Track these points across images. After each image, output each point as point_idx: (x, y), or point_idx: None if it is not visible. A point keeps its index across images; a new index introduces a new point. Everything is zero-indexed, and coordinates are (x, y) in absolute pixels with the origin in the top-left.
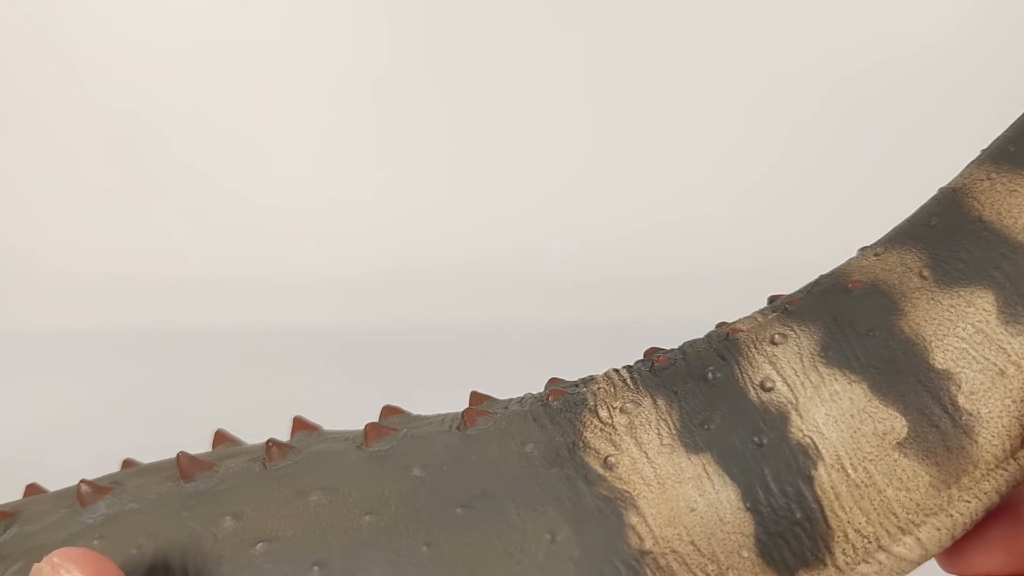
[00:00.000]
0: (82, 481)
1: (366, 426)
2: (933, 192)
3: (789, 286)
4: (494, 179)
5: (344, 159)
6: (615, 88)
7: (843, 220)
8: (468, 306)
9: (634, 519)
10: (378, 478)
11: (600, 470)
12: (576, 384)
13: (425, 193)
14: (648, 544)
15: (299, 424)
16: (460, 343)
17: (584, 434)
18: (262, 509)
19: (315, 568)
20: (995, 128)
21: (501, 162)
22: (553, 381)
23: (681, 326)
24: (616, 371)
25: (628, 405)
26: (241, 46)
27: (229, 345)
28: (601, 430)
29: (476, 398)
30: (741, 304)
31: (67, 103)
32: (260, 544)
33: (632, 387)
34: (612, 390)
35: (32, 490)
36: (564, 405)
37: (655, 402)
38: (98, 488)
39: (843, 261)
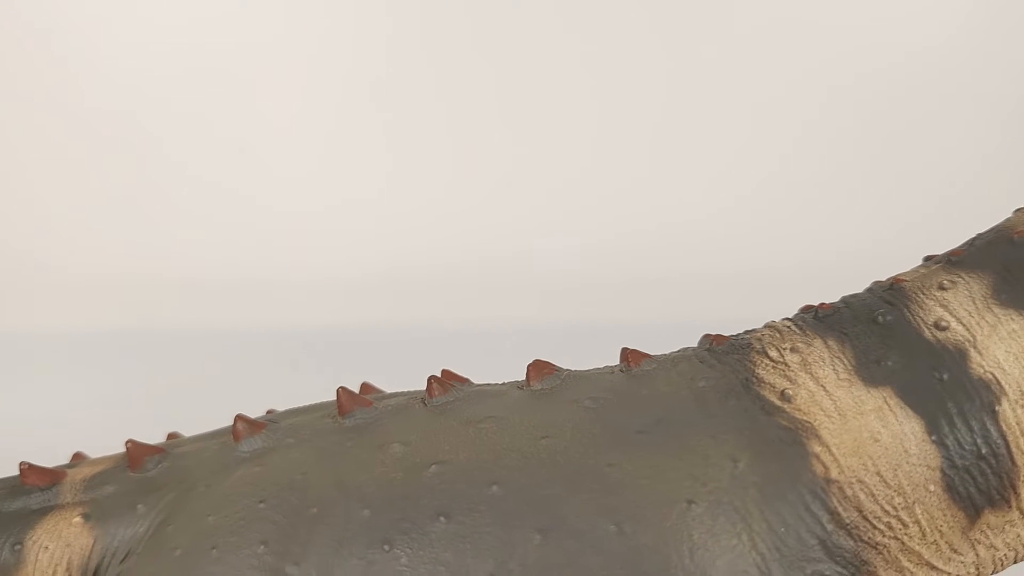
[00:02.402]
0: (238, 417)
1: (528, 366)
2: (934, 193)
3: (789, 286)
4: (495, 180)
5: (344, 160)
6: (617, 90)
7: (844, 221)
8: (468, 306)
9: (817, 448)
10: (547, 409)
11: (778, 402)
12: (736, 335)
13: (426, 194)
14: (833, 473)
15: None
16: (460, 343)
17: (756, 371)
18: (429, 437)
19: (494, 487)
20: (996, 129)
21: (502, 163)
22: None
23: (681, 326)
24: (777, 321)
25: (799, 345)
26: (242, 47)
27: (229, 345)
28: (773, 367)
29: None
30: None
31: (68, 104)
32: (434, 466)
33: (799, 331)
34: (778, 335)
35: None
36: (729, 348)
37: (826, 343)
38: (253, 424)
39: (843, 262)
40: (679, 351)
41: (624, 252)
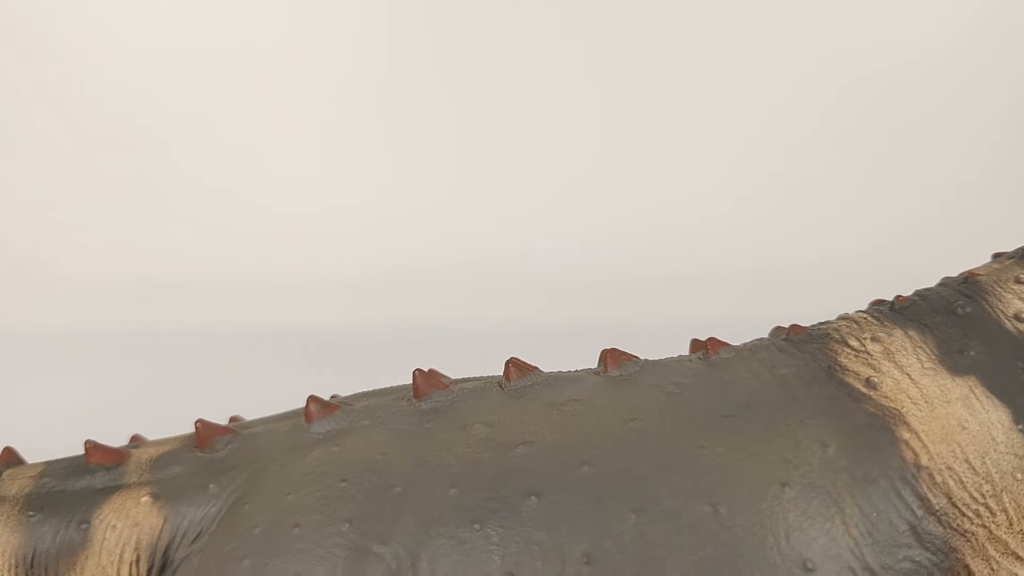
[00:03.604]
0: (311, 398)
1: (604, 353)
2: (935, 194)
3: (789, 286)
4: (495, 180)
5: (344, 160)
6: (617, 90)
7: (844, 222)
8: (468, 306)
9: (906, 434)
10: (630, 394)
11: (863, 389)
12: (811, 326)
13: (426, 194)
14: (923, 459)
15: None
16: (460, 343)
17: (838, 359)
18: (512, 418)
19: (585, 467)
20: (998, 130)
21: (502, 163)
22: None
23: (682, 326)
24: (851, 313)
25: (880, 335)
26: (242, 48)
27: (229, 345)
28: (856, 356)
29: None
30: (742, 304)
31: (68, 105)
32: (520, 447)
33: (877, 322)
34: (855, 325)
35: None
36: (807, 338)
37: (906, 333)
38: (326, 406)
39: (844, 262)
40: (754, 341)
41: (624, 252)
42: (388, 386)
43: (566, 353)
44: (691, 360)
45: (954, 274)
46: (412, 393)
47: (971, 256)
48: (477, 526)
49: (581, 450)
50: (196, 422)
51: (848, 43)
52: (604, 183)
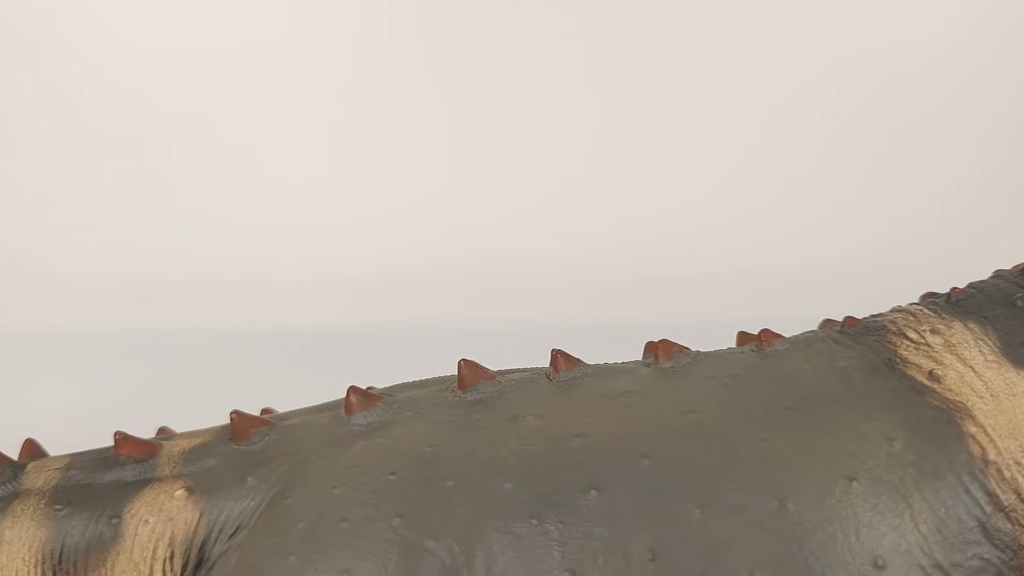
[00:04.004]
0: (351, 388)
1: (656, 344)
2: (936, 194)
3: (790, 286)
4: (495, 180)
5: (345, 160)
6: (618, 90)
7: (845, 222)
8: (469, 306)
9: (972, 428)
10: (684, 385)
11: (927, 382)
12: (866, 318)
13: (426, 194)
14: (991, 454)
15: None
16: (461, 343)
17: (898, 351)
18: (565, 410)
19: (644, 461)
20: (998, 130)
21: (502, 163)
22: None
23: (682, 326)
24: (905, 305)
25: (939, 327)
26: (242, 47)
27: (229, 345)
28: (916, 348)
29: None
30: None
31: (68, 105)
32: (576, 439)
33: (935, 314)
34: (912, 318)
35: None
36: (864, 330)
37: (966, 325)
38: (367, 397)
39: (844, 262)
40: (806, 333)
41: (624, 252)
42: (428, 377)
43: (568, 353)
44: (744, 352)
45: (954, 274)
46: (457, 384)
47: (971, 256)
48: (535, 521)
49: (639, 443)
50: (232, 413)
51: (848, 43)
52: (604, 183)
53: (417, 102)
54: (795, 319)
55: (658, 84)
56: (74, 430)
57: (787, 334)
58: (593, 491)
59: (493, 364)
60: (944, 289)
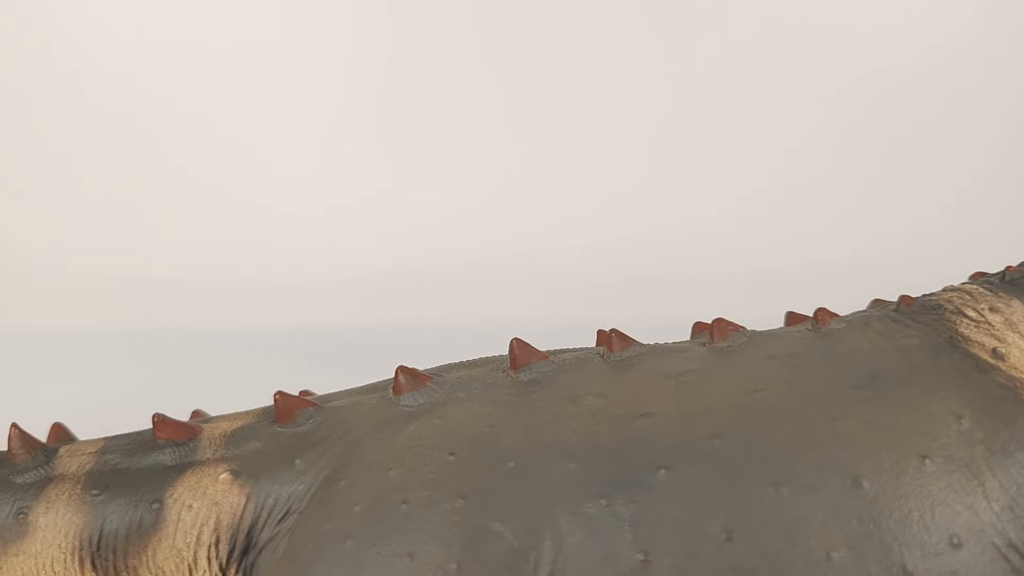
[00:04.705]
0: (401, 368)
1: (712, 325)
2: (936, 194)
3: (790, 286)
4: (495, 180)
5: (345, 160)
6: (619, 90)
7: (844, 222)
8: (468, 306)
9: None
10: (745, 364)
11: (991, 360)
12: (921, 297)
13: (426, 194)
14: None
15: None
16: (460, 343)
17: (959, 330)
18: (625, 390)
19: (715, 440)
20: (996, 130)
21: (503, 163)
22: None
23: (683, 326)
24: (957, 284)
25: (998, 305)
26: (242, 47)
27: (229, 345)
28: (976, 326)
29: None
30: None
31: (68, 105)
32: (641, 419)
33: (991, 293)
34: (968, 296)
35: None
36: (921, 309)
37: None
38: (418, 377)
39: (845, 262)
40: (860, 313)
41: (624, 252)
42: (478, 357)
43: None
44: (800, 331)
45: (954, 274)
46: (508, 364)
47: (971, 256)
48: (604, 501)
49: (708, 422)
50: (275, 394)
51: (848, 43)
52: (604, 184)
53: (417, 102)
54: None
55: (658, 84)
56: (73, 430)
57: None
58: (663, 471)
59: None
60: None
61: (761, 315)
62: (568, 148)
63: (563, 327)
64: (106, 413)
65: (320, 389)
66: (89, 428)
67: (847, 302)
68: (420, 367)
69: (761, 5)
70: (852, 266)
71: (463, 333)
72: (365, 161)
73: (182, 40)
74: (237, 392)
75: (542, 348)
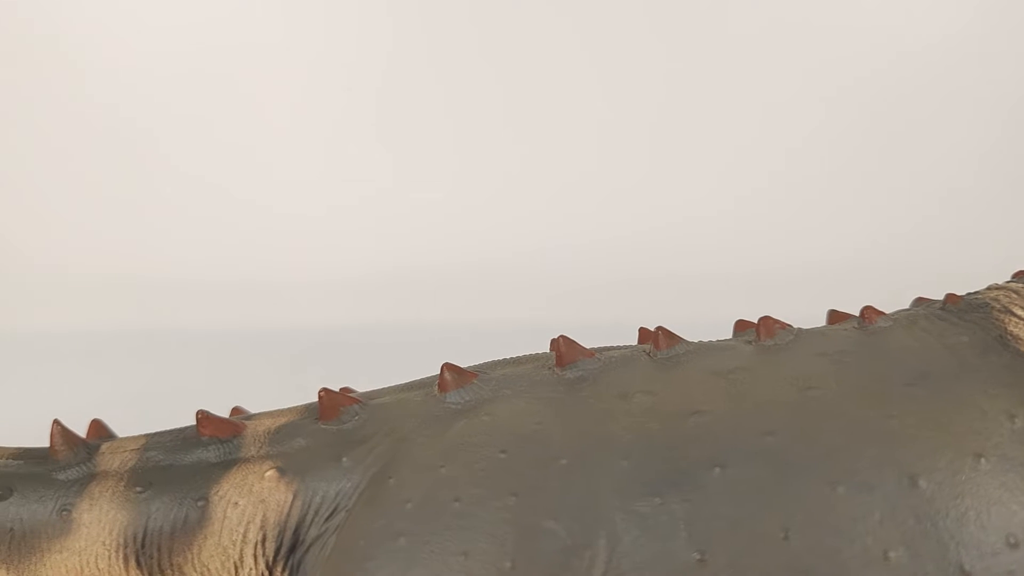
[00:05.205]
0: (445, 365)
1: (759, 323)
2: (936, 193)
3: (790, 286)
4: (496, 180)
5: (345, 160)
6: (618, 90)
7: (844, 222)
8: (469, 306)
9: None
10: (794, 362)
11: None
12: (966, 295)
13: (427, 194)
14: None
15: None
16: (460, 343)
17: (1008, 328)
18: (675, 387)
19: (769, 438)
20: (996, 130)
21: (503, 163)
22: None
23: (683, 326)
24: (1001, 283)
25: None
26: (242, 48)
27: (229, 345)
28: None
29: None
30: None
31: (68, 104)
32: (693, 416)
33: None
34: (1016, 296)
35: (237, 411)
36: (967, 307)
37: None
38: (463, 374)
39: (844, 262)
40: (904, 311)
41: (625, 252)
42: (521, 355)
43: None
44: (846, 329)
45: (953, 274)
46: (554, 361)
47: (971, 256)
48: (658, 500)
49: (761, 419)
50: (320, 391)
51: (848, 43)
52: (605, 183)
53: (417, 102)
54: (795, 319)
55: (658, 84)
56: (74, 430)
57: None
58: (717, 468)
59: None
60: (944, 289)
61: (761, 315)
62: (568, 148)
63: (563, 327)
64: (106, 413)
65: (315, 389)
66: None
67: (847, 302)
68: (420, 367)
69: (761, 5)
70: (852, 266)
71: (463, 333)
72: (365, 161)
73: (182, 40)
74: (237, 392)
75: (540, 349)
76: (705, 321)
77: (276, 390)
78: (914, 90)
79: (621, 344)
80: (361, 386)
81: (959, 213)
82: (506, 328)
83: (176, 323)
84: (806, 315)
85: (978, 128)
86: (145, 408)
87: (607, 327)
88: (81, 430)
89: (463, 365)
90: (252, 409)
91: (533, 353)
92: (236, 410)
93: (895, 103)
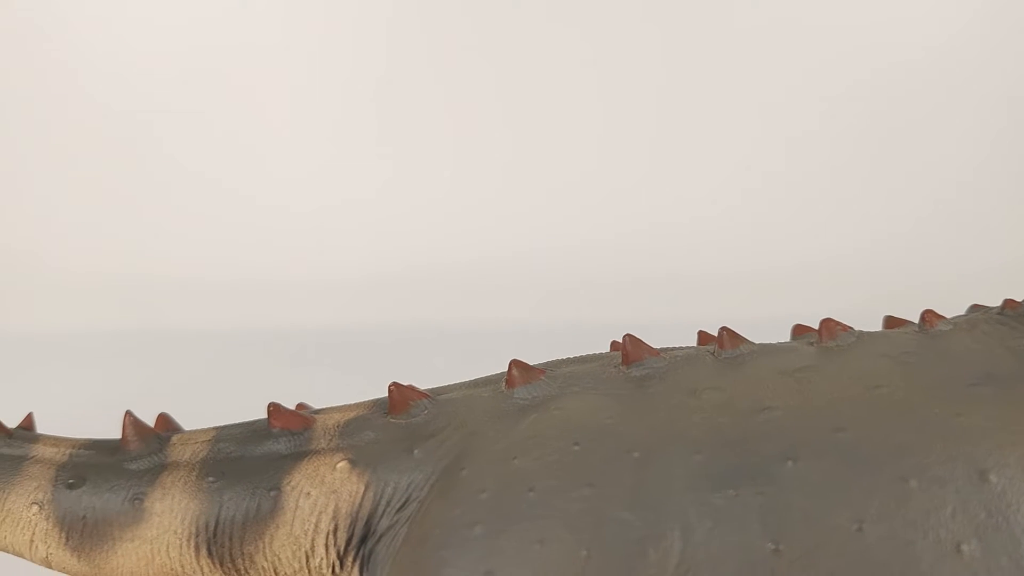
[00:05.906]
0: (513, 362)
1: (820, 325)
2: (935, 193)
3: (790, 286)
4: (495, 180)
5: (344, 159)
6: (617, 90)
7: (844, 222)
8: (468, 306)
9: None
10: (860, 362)
11: None
12: (1022, 301)
13: (426, 194)
14: None
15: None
16: (460, 343)
17: None
18: (743, 384)
19: (840, 433)
20: (996, 130)
21: (502, 163)
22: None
23: (683, 326)
24: None
25: None
26: (242, 46)
27: (229, 345)
28: None
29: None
30: (742, 304)
31: (68, 103)
32: (763, 412)
33: None
34: None
35: (301, 407)
36: None
37: None
38: (530, 371)
39: (844, 262)
40: (962, 316)
41: (624, 252)
42: (585, 354)
43: (566, 353)
44: (907, 332)
45: (953, 274)
46: (620, 360)
47: (971, 256)
48: (732, 492)
49: (831, 416)
50: (390, 385)
51: (848, 43)
52: (604, 183)
53: (417, 103)
54: (794, 318)
55: (658, 85)
56: (74, 430)
57: (785, 334)
58: (790, 462)
59: (493, 364)
60: (943, 289)
61: (762, 315)
62: (568, 148)
63: (563, 327)
64: (105, 413)
65: (319, 389)
66: (90, 427)
67: (847, 302)
68: (421, 367)
69: (761, 5)
70: (852, 266)
71: (463, 333)
72: (365, 161)
73: (182, 39)
74: (237, 392)
75: (542, 348)
76: (705, 321)
77: (275, 390)
78: (914, 90)
79: (685, 345)
80: (361, 386)
81: (959, 213)
82: (505, 328)
83: (176, 323)
84: (806, 314)
85: (978, 128)
86: (144, 408)
87: (606, 326)
88: (81, 427)
89: (463, 365)
90: (252, 407)
91: (596, 352)
92: (301, 406)
93: (895, 103)
